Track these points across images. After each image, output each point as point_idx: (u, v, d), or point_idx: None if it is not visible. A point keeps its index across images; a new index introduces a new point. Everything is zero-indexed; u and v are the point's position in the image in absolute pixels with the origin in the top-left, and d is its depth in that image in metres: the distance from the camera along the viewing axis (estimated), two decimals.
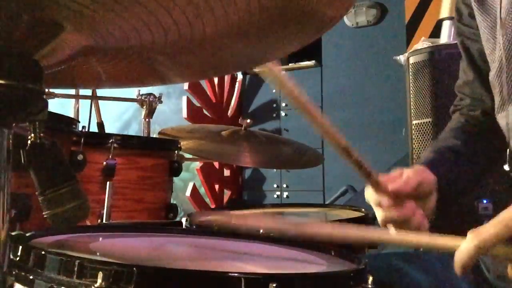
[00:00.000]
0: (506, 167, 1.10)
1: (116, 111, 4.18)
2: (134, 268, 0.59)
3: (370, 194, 0.87)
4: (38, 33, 0.50)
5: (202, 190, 3.45)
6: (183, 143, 1.78)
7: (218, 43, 0.56)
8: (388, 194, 0.84)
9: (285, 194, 3.44)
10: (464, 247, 0.66)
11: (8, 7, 0.47)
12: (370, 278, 0.68)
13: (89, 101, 2.44)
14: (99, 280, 0.58)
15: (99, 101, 2.47)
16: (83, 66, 0.64)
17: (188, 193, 3.34)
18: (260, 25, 0.52)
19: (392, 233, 0.78)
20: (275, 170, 3.45)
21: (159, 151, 1.69)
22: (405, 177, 0.87)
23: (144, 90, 2.36)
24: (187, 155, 2.01)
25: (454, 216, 1.99)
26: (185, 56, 0.62)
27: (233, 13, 0.48)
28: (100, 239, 0.95)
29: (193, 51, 0.59)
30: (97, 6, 0.46)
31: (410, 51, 2.31)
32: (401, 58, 2.35)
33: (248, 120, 1.82)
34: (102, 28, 0.51)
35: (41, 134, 0.58)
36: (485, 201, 1.90)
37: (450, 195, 0.98)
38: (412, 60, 2.22)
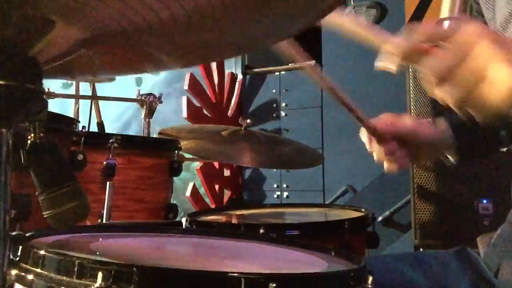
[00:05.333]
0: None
1: (116, 111, 4.18)
2: (134, 268, 0.59)
3: (363, 132, 1.14)
4: (29, 30, 0.50)
5: (202, 190, 3.45)
6: (183, 143, 1.78)
7: (214, 24, 0.56)
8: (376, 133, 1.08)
9: (285, 194, 3.44)
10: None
11: None
12: (370, 278, 0.68)
13: (89, 101, 2.44)
14: (99, 280, 0.58)
15: (99, 101, 2.48)
16: (79, 56, 0.64)
17: (188, 193, 3.34)
18: (257, 3, 0.52)
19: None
20: (275, 170, 3.44)
21: (159, 151, 1.69)
22: (398, 127, 1.09)
23: (144, 90, 2.36)
24: (187, 155, 2.01)
25: (454, 216, 1.99)
26: (181, 39, 0.61)
27: None
28: (100, 239, 0.95)
29: (190, 33, 0.58)
30: None
31: None
32: None
33: (248, 120, 1.82)
34: (93, 19, 0.51)
35: (41, 134, 0.58)
36: (485, 201, 1.91)
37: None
38: None
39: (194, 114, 3.39)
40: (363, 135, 1.13)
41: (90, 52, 0.62)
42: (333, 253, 0.88)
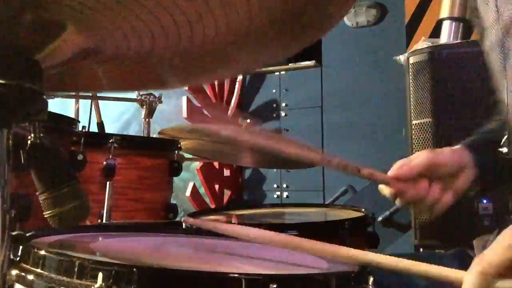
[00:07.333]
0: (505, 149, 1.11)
1: (116, 111, 4.18)
2: (134, 268, 0.59)
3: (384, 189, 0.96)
4: (39, 33, 0.50)
5: (202, 190, 3.45)
6: (183, 143, 1.78)
7: (219, 46, 0.56)
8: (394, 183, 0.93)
9: (285, 194, 3.44)
10: (468, 278, 0.58)
11: (10, 7, 0.47)
12: (371, 279, 0.68)
13: (89, 101, 2.44)
14: (99, 281, 0.58)
15: (99, 101, 2.48)
16: (84, 70, 0.64)
17: (188, 193, 3.34)
18: (261, 28, 0.52)
19: (387, 257, 0.75)
20: (275, 170, 3.44)
21: (159, 151, 1.69)
22: (412, 164, 0.94)
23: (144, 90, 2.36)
24: (187, 155, 2.01)
25: (454, 216, 1.99)
26: (185, 60, 0.61)
27: (233, 15, 0.48)
28: (100, 239, 0.95)
29: (194, 55, 0.59)
30: (98, 6, 0.46)
31: (410, 51, 2.31)
32: (401, 58, 2.35)
33: (248, 120, 1.82)
34: (103, 29, 0.51)
35: (41, 134, 0.58)
36: (485, 201, 1.90)
37: (490, 174, 1.02)
38: (412, 60, 2.22)
39: (194, 114, 3.39)
40: (385, 190, 0.98)
41: (94, 67, 0.63)
42: None
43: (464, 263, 1.00)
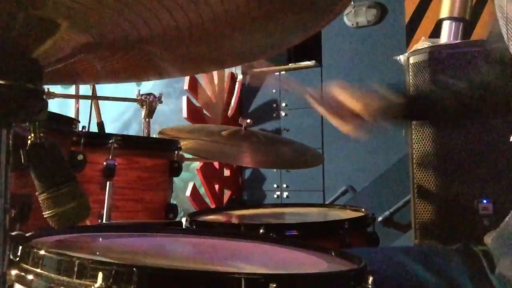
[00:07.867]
0: None
1: (116, 111, 4.18)
2: (134, 268, 0.59)
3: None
4: (34, 31, 0.50)
5: (202, 190, 3.45)
6: (183, 143, 1.78)
7: (217, 35, 0.56)
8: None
9: (285, 194, 3.44)
10: None
11: (4, 6, 0.47)
12: (370, 278, 0.68)
13: (89, 101, 2.43)
14: (99, 281, 0.58)
15: (99, 101, 2.47)
16: (82, 62, 0.64)
17: (188, 193, 3.34)
18: (259, 16, 0.52)
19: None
20: (275, 170, 3.44)
21: (159, 151, 1.69)
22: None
23: (144, 90, 2.36)
24: (187, 155, 2.01)
25: (454, 217, 1.99)
26: (184, 49, 0.61)
27: (231, 3, 0.48)
28: (100, 239, 0.95)
29: (192, 44, 0.59)
30: (91, 2, 0.46)
31: (410, 51, 2.31)
32: (401, 58, 2.35)
33: (248, 120, 1.82)
34: (98, 25, 0.51)
35: (41, 134, 0.58)
36: (485, 201, 1.90)
37: None
38: (412, 60, 2.22)
39: (194, 114, 3.39)
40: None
41: (93, 59, 0.63)
42: (333, 253, 0.88)
43: (466, 257, 1.00)
